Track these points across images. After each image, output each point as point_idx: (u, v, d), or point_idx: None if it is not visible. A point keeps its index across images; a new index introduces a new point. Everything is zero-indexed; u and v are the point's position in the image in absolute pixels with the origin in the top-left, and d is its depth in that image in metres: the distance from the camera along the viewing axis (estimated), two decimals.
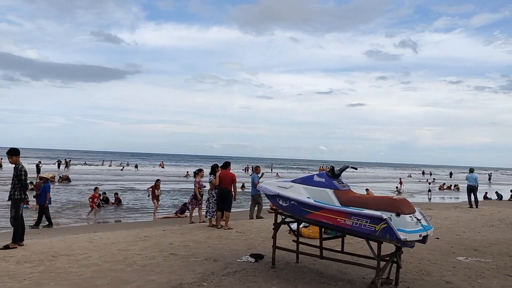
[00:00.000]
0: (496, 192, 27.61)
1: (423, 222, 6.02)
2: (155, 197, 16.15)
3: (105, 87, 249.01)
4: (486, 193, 27.66)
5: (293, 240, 7.47)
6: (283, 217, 7.02)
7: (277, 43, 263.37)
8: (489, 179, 60.96)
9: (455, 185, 39.19)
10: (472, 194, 19.77)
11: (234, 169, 54.15)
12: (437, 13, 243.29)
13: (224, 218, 10.54)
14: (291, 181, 6.99)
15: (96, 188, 17.86)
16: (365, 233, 5.70)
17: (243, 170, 60.67)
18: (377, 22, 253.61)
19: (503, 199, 26.52)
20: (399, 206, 5.70)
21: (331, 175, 6.53)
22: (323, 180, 6.51)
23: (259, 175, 14.15)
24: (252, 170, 17.61)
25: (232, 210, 11.21)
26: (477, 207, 19.20)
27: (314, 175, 6.75)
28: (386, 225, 5.47)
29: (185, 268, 6.63)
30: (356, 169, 7.23)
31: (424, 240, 5.82)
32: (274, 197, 6.94)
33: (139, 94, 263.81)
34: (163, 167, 59.21)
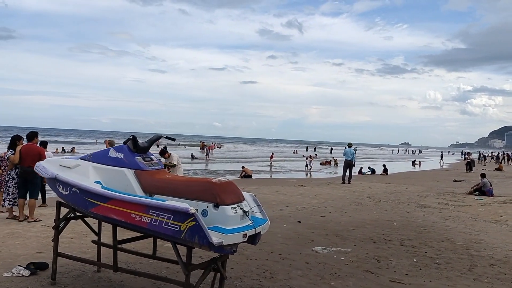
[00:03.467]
0: (369, 167, 28.29)
1: (256, 213, 4.29)
2: None
3: None
4: (361, 168, 28.18)
5: (93, 241, 5.32)
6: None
7: (169, 15, 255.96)
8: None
9: (334, 160, 40.05)
10: (348, 169, 19.39)
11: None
12: None
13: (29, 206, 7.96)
14: (81, 158, 4.80)
15: None
16: (168, 234, 3.79)
17: None
18: (268, 2, 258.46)
19: (376, 173, 27.19)
20: (218, 192, 3.87)
21: (134, 148, 4.47)
22: (122, 156, 4.44)
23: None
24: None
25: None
26: (349, 182, 18.84)
27: (110, 148, 4.63)
28: (194, 222, 3.60)
29: None
30: (173, 140, 5.26)
31: (253, 240, 4.10)
32: (52, 182, 4.72)
33: (15, 62, 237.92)
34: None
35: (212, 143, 66.66)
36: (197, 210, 3.88)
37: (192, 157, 39.71)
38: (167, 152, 10.03)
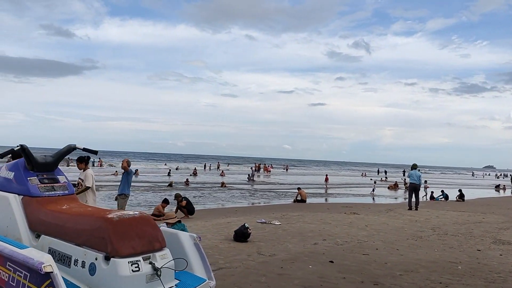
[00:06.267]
0: (442, 191, 25.18)
1: (196, 268, 2.76)
2: None
3: (61, 82, 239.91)
4: (432, 192, 25.19)
5: None
6: None
7: (238, 42, 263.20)
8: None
9: (405, 183, 36.75)
10: (414, 194, 17.11)
11: (186, 168, 50.22)
12: (394, 17, 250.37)
13: None
14: None
15: None
16: None
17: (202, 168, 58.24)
18: (335, 24, 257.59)
19: (449, 199, 24.11)
20: (112, 236, 2.42)
21: (28, 164, 3.17)
22: (12, 175, 3.15)
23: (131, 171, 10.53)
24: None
25: None
26: (416, 209, 16.52)
27: (3, 165, 3.35)
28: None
29: None
30: (96, 153, 3.85)
31: None
32: None
33: (99, 91, 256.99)
34: (101, 165, 54.32)
35: (269, 165, 65.62)
36: (84, 262, 2.45)
37: (249, 178, 38.63)
38: (86, 163, 7.81)
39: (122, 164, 10.17)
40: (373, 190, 29.49)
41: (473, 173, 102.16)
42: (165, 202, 13.46)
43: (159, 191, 24.53)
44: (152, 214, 12.57)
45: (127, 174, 10.02)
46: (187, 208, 13.55)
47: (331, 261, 7.08)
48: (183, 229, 7.15)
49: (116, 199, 10.37)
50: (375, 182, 35.74)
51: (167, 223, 7.36)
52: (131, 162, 10.49)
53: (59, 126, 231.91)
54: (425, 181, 29.18)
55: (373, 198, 25.92)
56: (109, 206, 13.82)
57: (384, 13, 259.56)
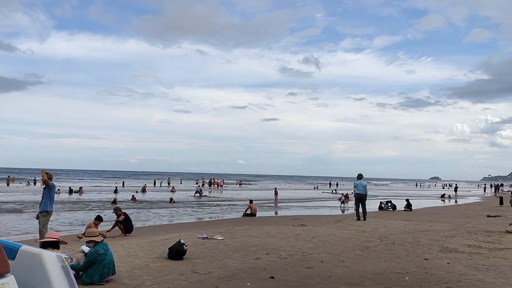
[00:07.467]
0: (389, 201, 25.42)
1: None
2: None
3: (4, 98, 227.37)
4: (381, 202, 25.38)
5: None
6: None
7: (190, 57, 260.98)
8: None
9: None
10: (360, 204, 16.84)
11: (136, 185, 48.42)
12: (343, 34, 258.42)
13: None
14: None
15: None
16: None
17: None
18: (286, 40, 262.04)
19: (397, 209, 24.34)
20: None
21: None
22: None
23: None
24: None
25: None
26: (365, 219, 16.30)
27: None
28: None
29: None
30: None
31: None
32: None
33: (46, 107, 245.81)
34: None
35: (221, 180, 65.19)
36: None
37: (199, 194, 37.57)
38: None
39: (42, 177, 9.15)
40: (342, 203, 29.01)
41: (417, 183, 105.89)
42: (98, 219, 12.39)
43: (102, 208, 23.15)
44: (84, 233, 11.51)
45: (49, 189, 9.03)
46: (124, 225, 12.56)
47: (272, 277, 6.48)
48: (106, 249, 6.32)
49: (37, 218, 9.32)
50: (342, 194, 35.62)
51: (88, 242, 6.49)
52: (53, 176, 9.46)
53: (4, 144, 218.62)
54: (390, 201, 28.84)
55: (343, 211, 25.52)
56: (32, 225, 12.55)
57: (334, 30, 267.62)
